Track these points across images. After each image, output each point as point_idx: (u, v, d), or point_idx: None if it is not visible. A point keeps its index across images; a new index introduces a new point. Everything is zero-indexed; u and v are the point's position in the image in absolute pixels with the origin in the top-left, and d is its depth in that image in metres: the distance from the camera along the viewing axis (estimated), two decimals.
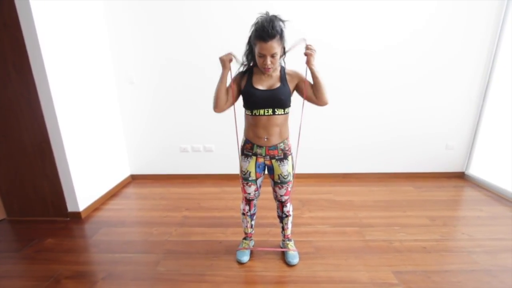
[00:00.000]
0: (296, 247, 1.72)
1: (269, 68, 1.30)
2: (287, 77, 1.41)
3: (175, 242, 1.87)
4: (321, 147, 2.88)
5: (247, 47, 1.39)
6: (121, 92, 2.76)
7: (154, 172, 3.04)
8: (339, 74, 2.64)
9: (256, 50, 1.28)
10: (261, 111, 1.37)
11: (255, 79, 1.40)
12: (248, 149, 1.49)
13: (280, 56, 1.34)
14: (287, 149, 1.49)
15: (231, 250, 1.76)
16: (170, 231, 2.01)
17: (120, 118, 2.84)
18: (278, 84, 1.38)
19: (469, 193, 2.59)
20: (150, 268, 1.61)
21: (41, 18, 1.83)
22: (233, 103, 1.43)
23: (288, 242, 1.71)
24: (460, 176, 2.94)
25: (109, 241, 1.90)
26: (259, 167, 1.51)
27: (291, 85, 1.41)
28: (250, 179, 1.52)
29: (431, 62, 2.60)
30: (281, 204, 1.61)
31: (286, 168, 1.49)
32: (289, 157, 1.50)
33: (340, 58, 2.60)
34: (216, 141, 2.89)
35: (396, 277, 1.51)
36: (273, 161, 1.48)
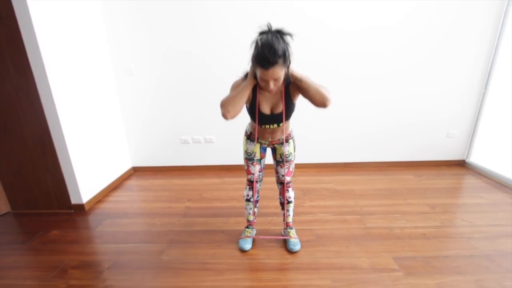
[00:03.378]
0: (297, 235, 1.75)
1: (272, 90, 1.24)
2: (291, 89, 1.35)
3: (178, 232, 1.89)
4: (321, 137, 2.88)
5: (251, 64, 1.26)
6: (121, 84, 2.75)
7: (156, 164, 3.05)
8: (337, 58, 2.60)
9: (258, 74, 1.20)
10: (267, 126, 1.44)
11: (259, 99, 1.36)
12: (253, 137, 1.54)
13: (284, 79, 1.24)
14: (289, 137, 1.55)
15: (234, 239, 1.79)
16: (173, 221, 2.03)
17: (120, 111, 2.83)
18: (282, 106, 1.36)
19: (469, 181, 2.60)
20: (155, 257, 1.64)
21: (37, 10, 1.80)
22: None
23: (289, 230, 1.73)
24: (461, 164, 2.95)
25: (113, 232, 1.93)
26: (262, 148, 1.59)
27: (295, 96, 1.38)
28: (255, 158, 1.57)
29: (432, 47, 2.55)
30: (283, 188, 1.63)
31: (287, 149, 1.54)
32: (290, 140, 1.55)
33: (339, 40, 2.55)
34: (216, 132, 2.89)
35: (396, 262, 1.53)
36: (276, 144, 1.56)
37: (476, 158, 2.83)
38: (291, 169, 1.59)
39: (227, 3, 2.45)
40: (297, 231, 1.80)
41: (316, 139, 2.89)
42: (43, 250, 1.75)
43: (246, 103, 1.39)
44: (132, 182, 2.81)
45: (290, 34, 1.17)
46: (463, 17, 2.46)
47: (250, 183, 1.65)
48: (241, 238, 1.72)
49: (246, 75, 1.35)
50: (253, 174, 1.61)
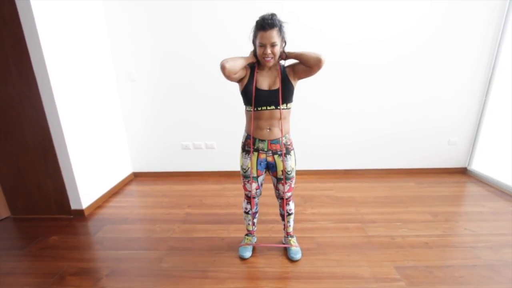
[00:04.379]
0: (298, 243, 1.73)
1: (270, 59, 1.34)
2: (287, 71, 1.43)
3: (178, 239, 1.88)
4: (322, 144, 2.88)
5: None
6: (122, 89, 2.76)
7: (156, 169, 3.05)
8: (339, 68, 2.62)
9: (257, 41, 1.33)
10: (264, 107, 1.40)
11: (257, 77, 1.41)
12: (249, 145, 1.49)
13: (280, 56, 1.38)
14: (289, 143, 1.49)
15: (234, 246, 1.77)
16: (173, 228, 2.02)
17: (122, 116, 2.84)
18: (279, 84, 1.39)
19: (471, 189, 2.58)
20: (154, 265, 1.63)
21: (41, 15, 1.83)
22: (236, 80, 1.41)
23: (290, 238, 1.72)
24: (463, 172, 2.93)
25: (112, 238, 1.92)
26: (260, 164, 1.51)
27: (293, 77, 1.42)
28: (251, 176, 1.53)
29: (432, 55, 2.57)
30: (284, 202, 1.61)
31: (289, 164, 1.49)
32: (292, 152, 1.51)
33: (340, 51, 2.58)
34: (217, 138, 2.89)
35: (398, 272, 1.51)
36: (276, 156, 1.48)
37: (477, 166, 2.82)
38: (292, 186, 1.56)
39: (228, 12, 2.48)
40: (298, 239, 1.78)
41: (317, 146, 2.88)
42: (42, 256, 1.74)
43: (243, 81, 1.41)
44: (133, 188, 2.81)
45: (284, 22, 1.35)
46: (464, 26, 2.48)
47: (248, 198, 1.64)
48: (241, 246, 1.71)
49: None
50: (250, 191, 1.59)
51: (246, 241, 1.73)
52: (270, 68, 1.42)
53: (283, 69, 1.43)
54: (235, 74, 1.35)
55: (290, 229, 1.71)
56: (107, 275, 1.56)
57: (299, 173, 2.91)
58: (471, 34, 2.51)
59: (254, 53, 1.42)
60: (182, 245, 1.81)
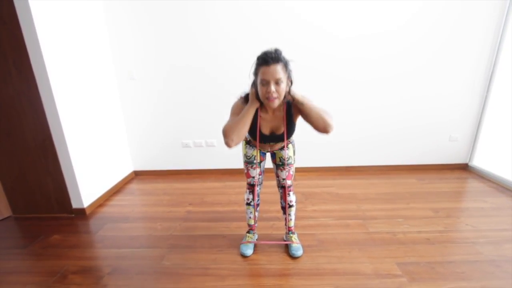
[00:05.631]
0: (299, 240, 1.73)
1: (274, 98, 1.17)
2: (294, 111, 1.33)
3: (179, 237, 1.88)
4: (323, 141, 2.87)
5: (252, 82, 1.29)
6: (122, 88, 2.76)
7: (157, 168, 3.05)
8: (339, 64, 2.62)
9: (259, 79, 1.17)
10: (267, 143, 1.46)
11: (260, 118, 1.34)
12: (253, 144, 1.53)
13: (285, 101, 1.28)
14: (288, 142, 1.53)
15: (235, 244, 1.77)
16: (174, 226, 2.02)
17: (122, 115, 2.84)
18: (283, 128, 1.37)
19: (472, 185, 2.58)
20: (155, 262, 1.63)
21: (40, 15, 1.82)
22: None
23: (291, 235, 1.72)
24: (464, 168, 2.92)
25: (114, 236, 1.92)
26: (262, 152, 1.58)
27: (297, 115, 1.36)
28: (255, 161, 1.56)
29: (433, 51, 2.55)
30: (284, 191, 1.61)
31: (287, 152, 1.52)
32: (290, 145, 1.54)
33: (340, 47, 2.57)
34: (218, 136, 2.89)
35: (400, 268, 1.51)
36: (275, 150, 1.56)
37: (479, 162, 2.81)
38: (291, 172, 1.57)
39: (227, 10, 2.47)
40: (299, 235, 1.79)
41: (318, 143, 2.88)
42: (43, 255, 1.74)
43: None
44: (134, 186, 2.81)
45: (290, 60, 1.23)
46: (465, 21, 2.46)
47: (250, 186, 1.64)
48: (243, 243, 1.71)
49: (245, 97, 1.34)
50: (253, 177, 1.60)
51: (247, 238, 1.73)
52: (274, 111, 1.33)
53: (289, 108, 1.32)
54: (243, 139, 1.32)
55: (292, 223, 1.70)
56: (109, 273, 1.56)
57: (300, 170, 2.91)
58: (471, 29, 2.49)
59: (256, 95, 1.25)
60: (183, 243, 1.82)
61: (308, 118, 1.25)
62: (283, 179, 1.58)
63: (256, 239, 1.77)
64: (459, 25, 2.48)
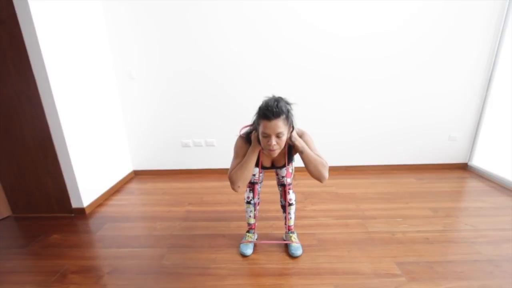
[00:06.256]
0: (299, 239, 1.74)
1: (274, 150, 1.22)
2: (293, 151, 1.43)
3: (179, 236, 1.88)
4: (322, 140, 2.87)
5: (254, 121, 1.32)
6: (122, 87, 2.75)
7: (156, 167, 3.05)
8: (339, 64, 2.62)
9: (260, 130, 1.21)
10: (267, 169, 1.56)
11: (262, 158, 1.45)
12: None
13: (287, 145, 1.34)
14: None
15: (235, 243, 1.78)
16: (174, 225, 2.02)
17: (122, 114, 2.84)
18: (283, 161, 1.45)
19: (472, 184, 2.58)
20: (155, 262, 1.63)
21: (39, 14, 1.82)
22: None
23: (291, 234, 1.72)
24: (463, 167, 2.93)
25: (113, 236, 1.92)
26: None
27: (297, 153, 1.42)
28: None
29: (432, 50, 2.56)
30: (284, 190, 1.62)
31: (284, 169, 1.57)
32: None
33: (340, 46, 2.57)
34: (217, 135, 2.89)
35: (399, 268, 1.52)
36: None
37: (478, 161, 2.82)
38: (290, 171, 1.58)
39: (227, 9, 2.46)
40: (298, 235, 1.79)
41: (317, 142, 2.86)
42: (43, 255, 1.74)
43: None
44: (133, 186, 2.81)
45: (291, 104, 1.25)
46: (464, 20, 2.47)
47: (251, 184, 1.64)
48: (242, 243, 1.71)
49: (247, 135, 1.39)
50: (254, 175, 1.60)
51: (247, 238, 1.73)
52: None
53: (290, 148, 1.42)
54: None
55: (291, 222, 1.71)
56: (109, 272, 1.56)
57: (300, 169, 2.90)
58: (471, 29, 2.49)
59: (258, 139, 1.29)
60: (183, 242, 1.82)
61: (305, 165, 1.34)
62: (283, 176, 1.59)
63: (256, 239, 1.78)
64: (458, 25, 2.48)
